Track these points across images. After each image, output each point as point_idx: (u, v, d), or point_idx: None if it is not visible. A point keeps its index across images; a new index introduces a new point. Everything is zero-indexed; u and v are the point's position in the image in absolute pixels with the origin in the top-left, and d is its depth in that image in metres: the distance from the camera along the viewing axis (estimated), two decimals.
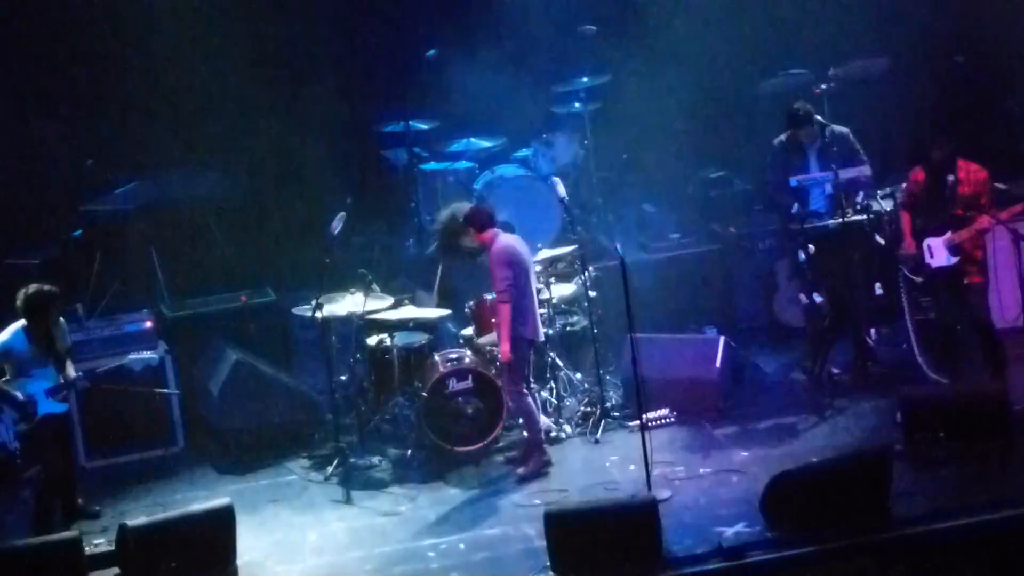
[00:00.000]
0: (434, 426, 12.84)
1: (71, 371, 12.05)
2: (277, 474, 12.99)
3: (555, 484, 12.21)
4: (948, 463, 11.70)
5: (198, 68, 15.67)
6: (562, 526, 10.80)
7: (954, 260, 12.74)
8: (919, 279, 12.95)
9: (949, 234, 12.70)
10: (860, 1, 16.30)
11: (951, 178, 12.65)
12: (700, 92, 16.50)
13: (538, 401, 12.80)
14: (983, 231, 12.75)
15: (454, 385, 12.89)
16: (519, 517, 11.71)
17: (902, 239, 13.10)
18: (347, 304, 13.02)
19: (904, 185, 13.23)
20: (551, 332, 13.30)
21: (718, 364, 13.32)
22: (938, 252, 12.74)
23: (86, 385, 12.21)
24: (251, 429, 13.29)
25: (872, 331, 13.96)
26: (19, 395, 11.76)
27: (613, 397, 13.33)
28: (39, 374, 11.86)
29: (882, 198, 13.98)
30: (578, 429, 13.12)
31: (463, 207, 13.49)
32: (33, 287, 11.94)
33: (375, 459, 12.94)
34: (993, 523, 10.90)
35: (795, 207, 13.51)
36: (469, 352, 13.16)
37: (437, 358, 13.10)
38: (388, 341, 13.11)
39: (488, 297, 13.15)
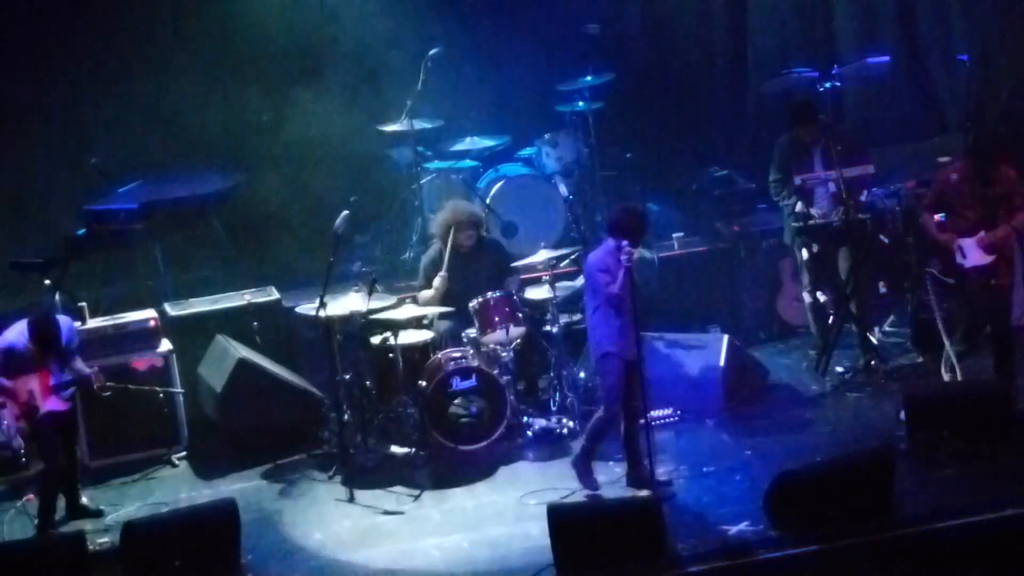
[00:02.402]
0: (438, 425, 12.84)
1: (83, 368, 12.05)
2: (281, 473, 12.98)
3: (558, 482, 12.21)
4: (952, 462, 11.69)
5: (201, 66, 15.69)
6: (566, 524, 10.80)
7: (989, 259, 12.59)
8: (950, 280, 12.77)
9: (982, 234, 12.55)
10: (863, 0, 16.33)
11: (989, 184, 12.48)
12: (704, 90, 16.52)
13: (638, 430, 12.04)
14: (1017, 232, 12.63)
15: (458, 384, 12.90)
16: (523, 515, 11.71)
17: (930, 242, 12.92)
18: (351, 303, 13.02)
19: (932, 185, 13.04)
20: (554, 330, 13.30)
21: (722, 362, 13.32)
22: (971, 252, 12.57)
23: (101, 381, 12.17)
24: (255, 428, 13.28)
25: (876, 329, 13.96)
26: (20, 393, 11.76)
27: None
28: (45, 371, 11.85)
29: (886, 196, 13.98)
30: (581, 427, 13.08)
31: (464, 204, 13.56)
32: (36, 318, 11.91)
33: (379, 458, 12.93)
34: (997, 522, 10.89)
35: (799, 206, 13.52)
36: (473, 351, 13.15)
37: (440, 357, 13.10)
38: (391, 340, 13.10)
39: (491, 295, 13.15)
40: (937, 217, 12.68)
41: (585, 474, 11.96)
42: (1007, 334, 12.75)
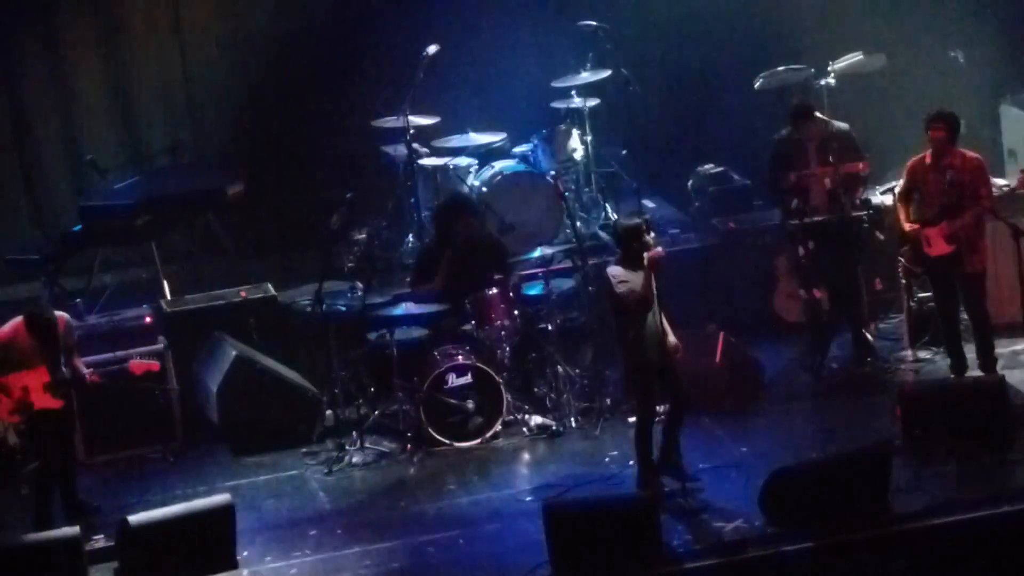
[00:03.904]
0: (433, 421, 12.84)
1: (81, 367, 12.03)
2: (276, 470, 12.98)
3: (554, 479, 12.21)
4: (947, 458, 11.70)
5: (199, 63, 15.69)
6: (561, 521, 10.80)
7: (950, 249, 12.69)
8: (918, 269, 12.92)
9: (944, 223, 12.66)
10: None
11: (949, 173, 12.64)
12: (700, 87, 16.52)
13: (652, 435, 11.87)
14: (978, 220, 12.70)
15: (453, 380, 12.90)
16: (518, 512, 11.72)
17: (899, 230, 13.07)
18: (347, 299, 13.02)
19: (904, 173, 13.15)
20: (551, 327, 13.32)
21: (717, 359, 13.33)
22: (935, 241, 12.71)
23: (95, 380, 12.15)
24: (250, 424, 13.28)
25: (872, 326, 13.97)
26: (15, 389, 11.75)
27: (612, 392, 13.32)
28: (40, 368, 11.84)
29: (881, 193, 14.00)
30: (577, 424, 13.11)
31: (463, 194, 13.56)
32: (32, 307, 11.86)
33: (375, 454, 12.93)
34: (993, 518, 10.90)
35: (795, 202, 13.52)
36: (469, 347, 13.15)
37: (436, 353, 13.10)
38: (387, 336, 13.09)
39: (488, 292, 13.16)
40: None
41: (651, 486, 11.71)
42: (983, 320, 12.80)
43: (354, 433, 13.04)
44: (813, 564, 10.69)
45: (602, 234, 15.03)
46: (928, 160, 12.77)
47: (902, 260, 13.05)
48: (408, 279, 13.83)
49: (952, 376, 12.90)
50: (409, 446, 12.93)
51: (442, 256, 13.47)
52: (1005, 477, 11.44)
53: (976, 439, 11.77)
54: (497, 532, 11.48)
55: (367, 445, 12.98)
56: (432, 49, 14.96)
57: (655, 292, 11.51)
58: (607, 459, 12.49)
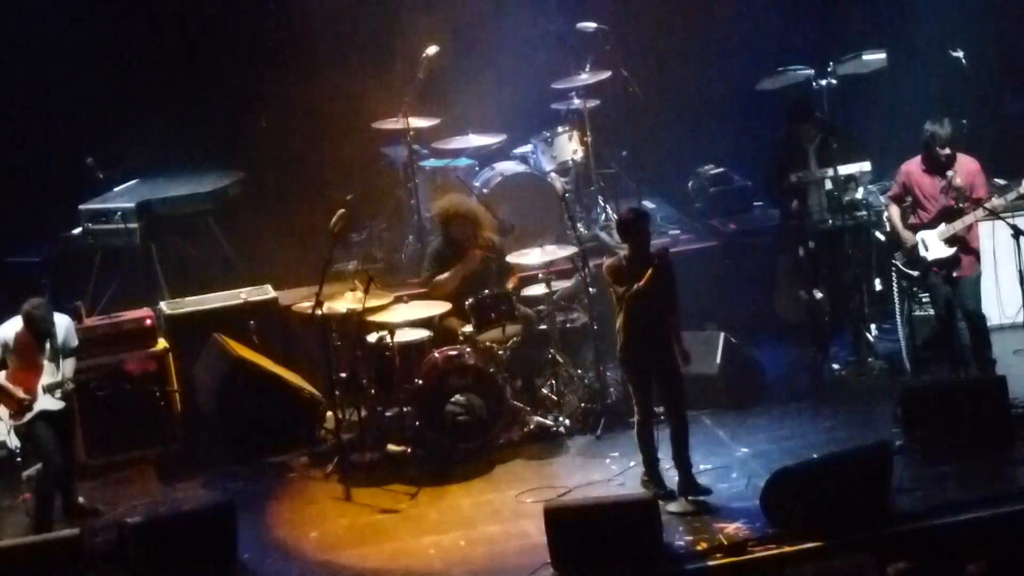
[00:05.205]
0: (434, 423, 12.84)
1: (68, 371, 12.03)
2: (277, 472, 12.99)
3: (555, 480, 12.21)
4: (948, 458, 11.70)
5: (197, 65, 15.69)
6: (562, 522, 10.80)
7: (951, 251, 12.71)
8: (915, 273, 12.93)
9: (943, 226, 12.68)
10: None
11: (950, 173, 12.65)
12: (700, 88, 16.52)
13: (652, 434, 11.83)
14: (977, 221, 12.73)
15: (454, 382, 12.89)
16: (519, 514, 11.72)
17: (894, 233, 13.08)
18: (347, 301, 13.02)
19: (896, 178, 13.16)
20: (551, 328, 13.31)
21: (718, 360, 13.33)
22: (933, 244, 12.73)
23: (73, 387, 12.15)
24: (251, 427, 13.27)
25: (872, 326, 13.97)
26: (16, 390, 11.76)
27: (613, 393, 13.32)
28: (40, 370, 11.84)
29: (882, 194, 14.00)
30: (578, 425, 13.11)
31: (460, 197, 13.56)
32: (30, 305, 11.90)
33: (375, 456, 12.93)
34: (993, 518, 10.90)
35: (794, 203, 13.52)
36: (469, 349, 13.15)
37: (437, 355, 13.09)
38: (388, 338, 13.09)
39: (487, 293, 13.15)
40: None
41: (655, 485, 11.71)
42: (980, 321, 12.81)
43: (355, 434, 13.04)
44: (814, 565, 10.68)
45: (602, 235, 15.03)
46: (923, 163, 12.78)
47: (896, 263, 13.03)
48: (424, 275, 13.76)
49: (952, 376, 12.89)
50: (410, 447, 12.92)
51: (454, 255, 13.50)
52: (1005, 477, 11.45)
53: (976, 439, 11.77)
54: (498, 534, 11.49)
55: (368, 446, 12.97)
56: (432, 50, 14.96)
57: (655, 289, 11.50)
58: (607, 459, 12.49)
